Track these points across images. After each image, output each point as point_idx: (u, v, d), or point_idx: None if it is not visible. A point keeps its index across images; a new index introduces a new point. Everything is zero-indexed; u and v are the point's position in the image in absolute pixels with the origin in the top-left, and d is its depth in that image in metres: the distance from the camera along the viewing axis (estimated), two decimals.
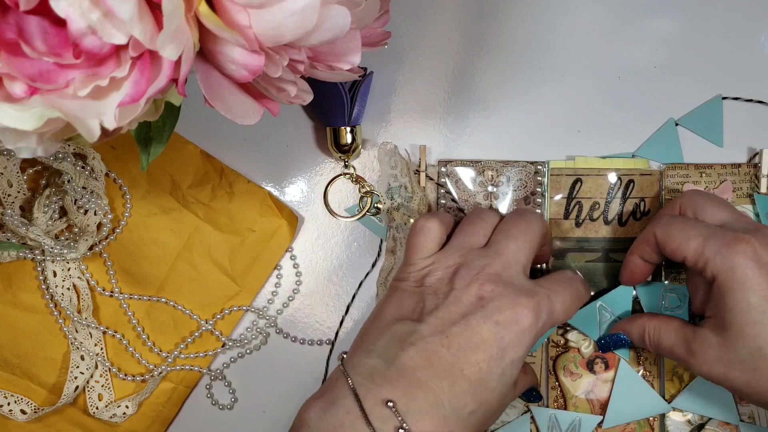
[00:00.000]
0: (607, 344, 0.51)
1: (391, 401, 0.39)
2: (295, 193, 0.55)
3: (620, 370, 0.52)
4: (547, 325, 0.43)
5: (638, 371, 0.52)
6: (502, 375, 0.41)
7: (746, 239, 0.42)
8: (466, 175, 0.53)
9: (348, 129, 0.52)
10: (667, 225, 0.45)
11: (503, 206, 0.53)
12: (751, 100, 0.53)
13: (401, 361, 0.40)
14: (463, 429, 0.40)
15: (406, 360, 0.40)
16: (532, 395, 0.51)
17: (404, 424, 0.39)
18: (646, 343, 0.48)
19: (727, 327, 0.42)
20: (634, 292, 0.52)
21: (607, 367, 0.52)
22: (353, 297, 0.54)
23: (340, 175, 0.54)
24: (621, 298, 0.52)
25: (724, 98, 0.53)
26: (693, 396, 0.52)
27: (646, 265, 0.48)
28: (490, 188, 0.53)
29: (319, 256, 0.55)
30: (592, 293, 0.52)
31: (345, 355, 0.43)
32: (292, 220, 0.54)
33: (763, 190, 0.52)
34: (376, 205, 0.54)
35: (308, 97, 0.36)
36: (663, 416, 0.52)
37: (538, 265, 0.52)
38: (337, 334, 0.54)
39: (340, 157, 0.53)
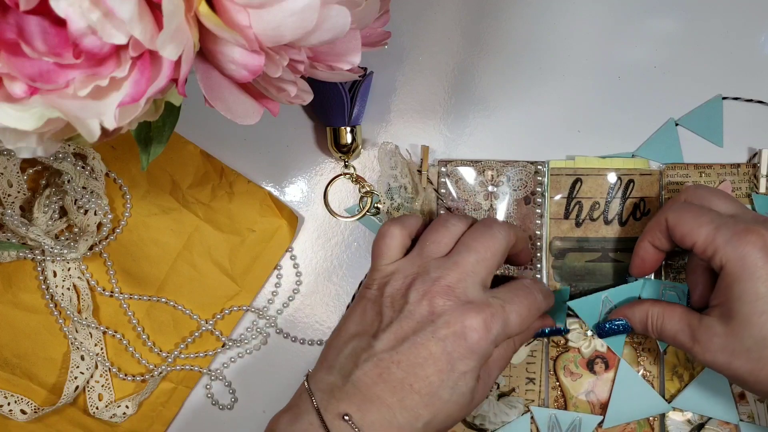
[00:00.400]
0: (607, 330, 0.50)
1: (347, 415, 0.41)
2: (295, 193, 0.55)
3: (620, 370, 0.52)
4: (502, 336, 0.43)
5: (638, 371, 0.52)
6: (455, 386, 0.42)
7: (757, 230, 0.42)
8: (466, 174, 0.53)
9: (348, 129, 0.52)
10: (680, 210, 0.45)
11: (503, 206, 0.53)
12: (751, 100, 0.53)
13: (357, 377, 0.42)
14: None
15: (362, 375, 0.42)
16: (544, 333, 0.51)
17: None
18: (649, 329, 0.48)
19: (733, 316, 0.42)
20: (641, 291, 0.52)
21: (607, 367, 0.52)
22: (353, 297, 0.54)
23: (340, 175, 0.54)
24: (627, 293, 0.51)
25: (724, 98, 0.53)
26: (693, 396, 0.52)
27: (656, 252, 0.48)
28: (490, 188, 0.53)
29: (319, 256, 0.55)
30: (595, 289, 0.52)
31: (310, 371, 0.45)
32: (292, 220, 0.54)
33: (762, 190, 0.52)
34: (376, 205, 0.54)
35: (308, 97, 0.36)
36: (663, 416, 0.52)
37: (524, 267, 0.52)
38: None
39: (340, 157, 0.53)
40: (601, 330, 0.51)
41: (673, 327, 0.46)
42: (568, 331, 0.52)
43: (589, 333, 0.52)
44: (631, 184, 0.52)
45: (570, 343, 0.52)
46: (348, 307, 0.54)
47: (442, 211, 0.53)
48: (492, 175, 0.53)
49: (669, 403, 0.52)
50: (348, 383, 0.42)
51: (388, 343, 0.43)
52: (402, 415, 0.42)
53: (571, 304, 0.52)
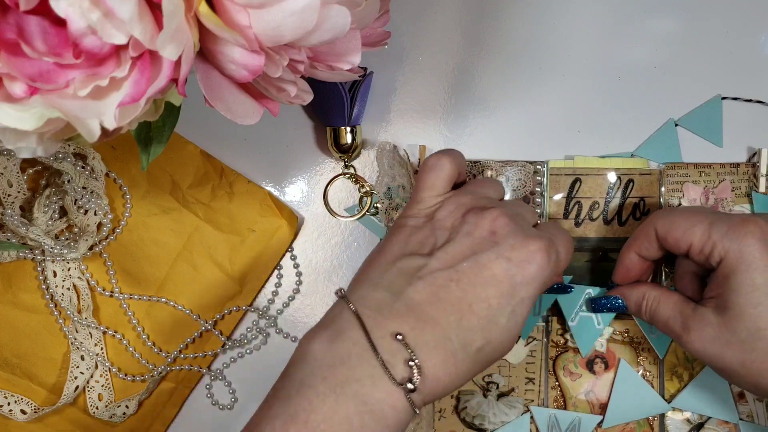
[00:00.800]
0: (601, 305, 0.50)
1: (400, 334, 0.38)
2: (295, 193, 0.55)
3: (620, 370, 0.52)
4: (554, 268, 0.42)
5: (638, 371, 0.52)
6: (512, 313, 0.40)
7: (754, 220, 0.42)
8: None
9: (348, 129, 0.52)
10: (669, 215, 0.45)
11: None
12: (750, 100, 0.53)
13: (409, 295, 0.39)
14: (470, 365, 0.40)
15: (414, 294, 0.39)
16: (554, 288, 0.51)
17: (414, 357, 0.38)
18: (642, 312, 0.47)
19: (729, 307, 0.42)
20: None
21: (606, 367, 0.52)
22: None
23: (340, 175, 0.54)
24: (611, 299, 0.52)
25: (723, 98, 0.53)
26: (692, 395, 0.52)
27: (642, 262, 0.48)
28: None
29: (319, 256, 0.55)
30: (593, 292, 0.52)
31: (343, 291, 0.42)
32: (292, 220, 0.54)
33: (761, 189, 0.52)
34: (375, 205, 0.54)
35: (308, 97, 0.36)
36: (662, 416, 0.52)
37: None
38: None
39: (340, 157, 0.53)
40: (596, 305, 0.50)
41: (666, 313, 0.46)
42: (572, 289, 0.51)
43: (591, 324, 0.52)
44: (631, 184, 0.52)
45: (569, 343, 0.52)
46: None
47: None
48: (491, 175, 0.53)
49: (669, 403, 0.52)
50: (398, 301, 0.39)
51: (446, 261, 0.40)
52: (458, 337, 0.39)
53: (552, 295, 0.52)
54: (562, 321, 0.52)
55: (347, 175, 0.54)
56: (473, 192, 0.44)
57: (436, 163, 0.44)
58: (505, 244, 0.40)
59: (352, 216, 0.54)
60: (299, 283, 0.54)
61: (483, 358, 0.40)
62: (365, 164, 0.54)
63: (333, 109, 0.51)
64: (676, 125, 0.53)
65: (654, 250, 0.47)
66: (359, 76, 0.49)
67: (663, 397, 0.52)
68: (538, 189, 0.53)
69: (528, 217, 0.44)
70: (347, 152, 0.53)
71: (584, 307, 0.52)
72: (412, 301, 0.39)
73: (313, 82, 0.37)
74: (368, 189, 0.54)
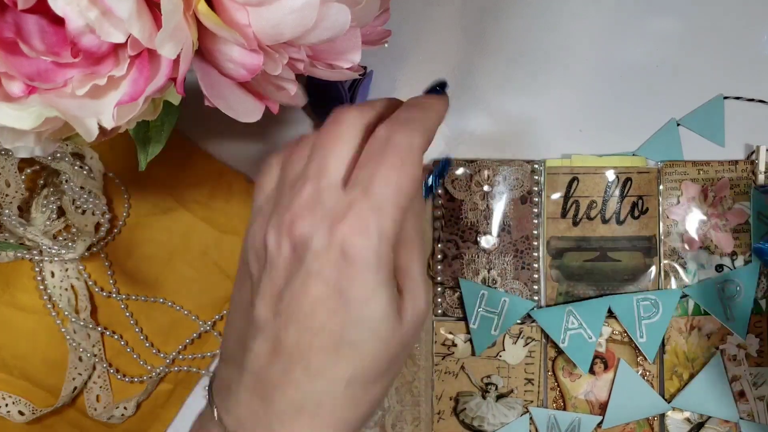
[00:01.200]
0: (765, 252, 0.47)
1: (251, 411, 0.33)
2: None
3: (620, 370, 0.52)
4: (390, 224, 0.32)
5: (637, 371, 0.52)
6: (361, 320, 0.32)
7: None
8: (461, 174, 0.53)
9: None
10: None
11: (500, 205, 0.52)
12: (752, 100, 0.53)
13: (250, 363, 0.33)
14: (350, 405, 0.33)
15: (254, 359, 0.33)
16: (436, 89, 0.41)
17: None
18: None
19: None
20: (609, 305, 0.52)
21: (606, 368, 0.52)
22: None
23: None
24: (595, 310, 0.51)
25: (725, 98, 0.53)
26: (692, 395, 0.52)
27: None
28: (486, 188, 0.53)
29: None
30: (594, 294, 0.52)
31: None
32: None
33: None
34: None
35: (301, 102, 0.36)
36: (663, 415, 0.52)
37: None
38: None
39: None
40: (762, 252, 0.48)
41: None
42: (451, 162, 0.46)
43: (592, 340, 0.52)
44: (629, 183, 0.52)
45: None
46: None
47: (437, 212, 0.53)
48: (488, 175, 0.53)
49: (669, 402, 0.52)
50: (245, 373, 0.34)
51: (267, 308, 0.33)
52: (318, 384, 0.32)
53: (534, 314, 0.52)
54: None
55: None
56: (283, 181, 0.35)
57: (264, 161, 0.37)
58: (308, 255, 0.32)
59: None
60: None
61: (361, 386, 0.33)
62: None
63: (333, 108, 0.51)
64: (678, 125, 0.53)
65: None
66: (359, 75, 0.49)
67: (663, 396, 0.52)
68: (536, 188, 0.53)
69: (335, 169, 0.33)
70: None
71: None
72: (255, 366, 0.33)
73: (312, 81, 0.37)
74: None
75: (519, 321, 0.52)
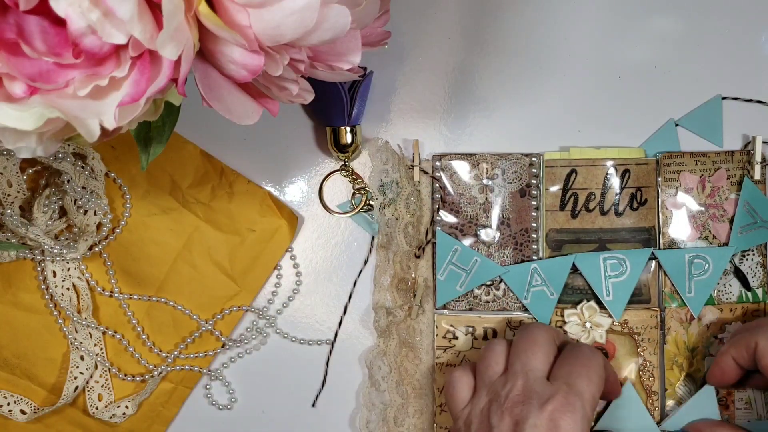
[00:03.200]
0: None
1: None
2: (294, 193, 0.55)
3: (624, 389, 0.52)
4: (588, 408, 0.43)
5: (638, 361, 0.52)
6: None
7: None
8: (460, 168, 0.53)
9: (348, 129, 0.52)
10: None
11: (499, 199, 0.53)
12: (750, 100, 0.53)
13: None
14: None
15: None
16: None
17: None
18: None
19: None
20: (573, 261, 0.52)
21: (606, 358, 0.52)
22: (350, 297, 0.54)
23: (336, 171, 0.54)
24: (559, 267, 0.52)
25: (723, 98, 0.53)
26: (682, 420, 0.52)
27: (738, 368, 0.49)
28: (485, 181, 0.53)
29: (319, 256, 0.55)
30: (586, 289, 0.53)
31: None
32: (292, 220, 0.54)
33: (756, 176, 0.52)
34: (369, 202, 0.54)
35: (309, 96, 0.36)
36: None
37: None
38: (336, 334, 0.54)
39: (339, 156, 0.53)
40: None
41: None
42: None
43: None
44: (627, 174, 0.52)
45: (569, 334, 0.52)
46: (346, 307, 0.54)
47: (437, 206, 0.53)
48: (486, 168, 0.53)
49: (658, 425, 0.52)
50: None
51: None
52: None
53: (504, 276, 0.52)
54: (561, 313, 0.52)
55: (343, 172, 0.54)
56: (484, 384, 0.46)
57: (451, 378, 0.47)
58: (528, 427, 0.41)
59: (345, 213, 0.54)
60: (299, 283, 0.54)
61: None
62: (365, 164, 0.54)
63: (333, 109, 0.51)
64: (677, 125, 0.53)
65: (746, 361, 0.48)
66: (359, 76, 0.49)
67: (664, 386, 0.52)
68: (534, 181, 0.53)
69: (538, 367, 0.45)
70: (347, 152, 0.53)
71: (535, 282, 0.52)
72: None
73: (312, 82, 0.37)
74: (362, 186, 0.54)
75: (487, 283, 0.52)
